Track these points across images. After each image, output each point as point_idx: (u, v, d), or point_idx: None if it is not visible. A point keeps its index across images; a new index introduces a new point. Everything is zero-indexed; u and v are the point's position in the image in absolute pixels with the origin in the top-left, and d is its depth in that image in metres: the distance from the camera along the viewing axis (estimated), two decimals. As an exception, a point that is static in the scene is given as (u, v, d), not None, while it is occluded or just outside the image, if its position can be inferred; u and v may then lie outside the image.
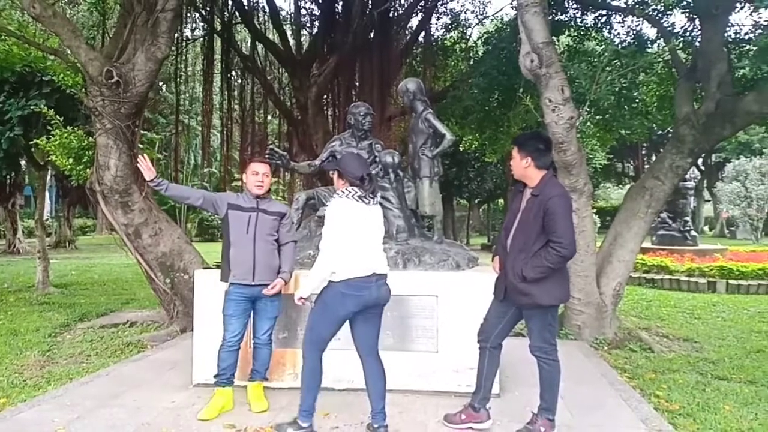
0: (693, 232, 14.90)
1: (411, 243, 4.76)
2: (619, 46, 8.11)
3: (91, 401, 3.97)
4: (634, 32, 8.33)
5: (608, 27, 8.96)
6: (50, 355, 5.60)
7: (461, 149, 12.20)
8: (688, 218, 15.00)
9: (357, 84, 12.92)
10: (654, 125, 11.23)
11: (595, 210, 8.78)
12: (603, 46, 9.17)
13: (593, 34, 9.33)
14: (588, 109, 7.47)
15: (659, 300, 9.30)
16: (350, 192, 3.27)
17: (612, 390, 4.31)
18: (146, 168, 3.76)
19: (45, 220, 11.89)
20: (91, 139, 6.27)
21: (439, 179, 5.06)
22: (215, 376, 3.80)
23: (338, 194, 3.32)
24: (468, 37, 14.72)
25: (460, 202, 28.02)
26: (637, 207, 6.59)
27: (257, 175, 3.85)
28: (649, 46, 8.46)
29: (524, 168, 3.29)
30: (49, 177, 12.80)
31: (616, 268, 6.47)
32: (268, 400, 3.90)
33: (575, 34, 9.14)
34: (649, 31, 8.83)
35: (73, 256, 18.17)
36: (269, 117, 17.71)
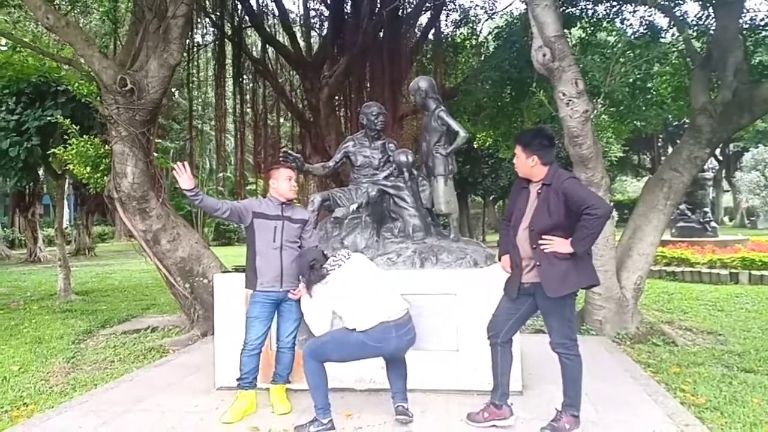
0: (713, 223, 14.69)
1: (427, 242, 4.75)
2: (632, 37, 8.03)
3: (116, 407, 4.02)
4: (647, 22, 8.25)
5: (620, 18, 8.88)
6: (75, 362, 5.68)
7: (475, 146, 12.17)
8: (707, 209, 14.80)
9: (368, 84, 12.93)
10: (669, 116, 11.12)
11: (612, 203, 8.70)
12: (616, 38, 9.10)
13: (605, 25, 9.25)
14: (602, 102, 7.42)
15: (681, 293, 9.19)
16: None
17: (636, 385, 4.26)
18: (187, 177, 3.66)
19: (64, 228, 12.06)
20: (107, 147, 6.34)
21: (453, 177, 5.05)
22: (238, 380, 3.82)
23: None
24: (478, 32, 14.66)
25: (475, 200, 27.91)
26: (656, 199, 6.52)
27: (290, 180, 3.93)
28: (663, 36, 8.37)
29: (530, 167, 3.29)
30: (67, 186, 12.95)
31: (636, 261, 6.40)
32: (291, 402, 3.92)
33: (587, 26, 9.06)
34: (662, 21, 8.74)
35: (93, 263, 18.40)
36: (282, 120, 17.76)
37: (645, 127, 11.02)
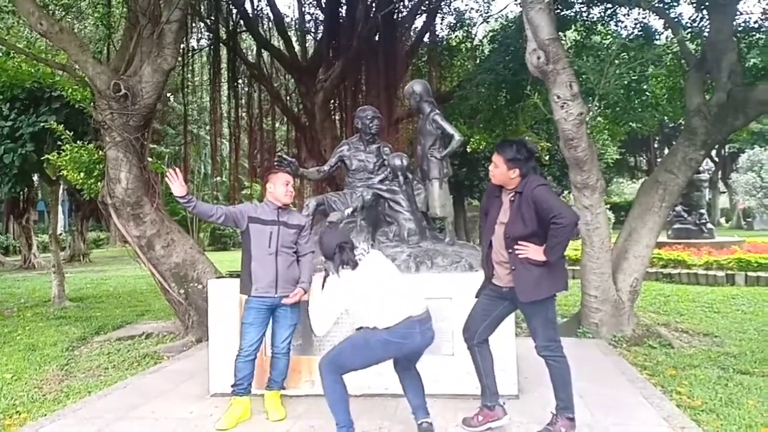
0: (709, 225, 14.75)
1: (423, 245, 4.76)
2: (626, 40, 8.06)
3: (110, 414, 4.00)
4: (641, 25, 8.28)
5: (615, 20, 8.91)
6: (68, 369, 5.65)
7: (470, 149, 12.17)
8: (703, 211, 14.86)
9: (363, 88, 12.94)
10: (665, 117, 11.15)
11: (608, 206, 8.72)
12: (610, 40, 9.13)
13: (600, 28, 9.28)
14: (597, 104, 7.44)
15: (677, 295, 9.21)
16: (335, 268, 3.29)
17: (632, 388, 4.26)
18: (179, 184, 3.66)
19: (59, 234, 12.01)
20: (101, 152, 6.33)
21: (448, 180, 5.06)
22: (232, 386, 3.81)
23: (330, 273, 3.33)
24: (473, 35, 14.70)
25: (471, 203, 27.93)
26: (651, 201, 6.53)
27: (288, 185, 3.92)
28: (657, 38, 8.40)
29: (510, 178, 3.31)
30: (61, 192, 12.93)
31: (632, 263, 6.41)
32: (286, 408, 3.91)
33: (581, 28, 9.09)
34: (657, 23, 8.78)
35: (88, 269, 18.33)
36: (277, 124, 17.77)
37: (640, 129, 11.05)
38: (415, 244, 4.75)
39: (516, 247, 3.23)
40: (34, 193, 18.60)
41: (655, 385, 4.43)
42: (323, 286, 3.35)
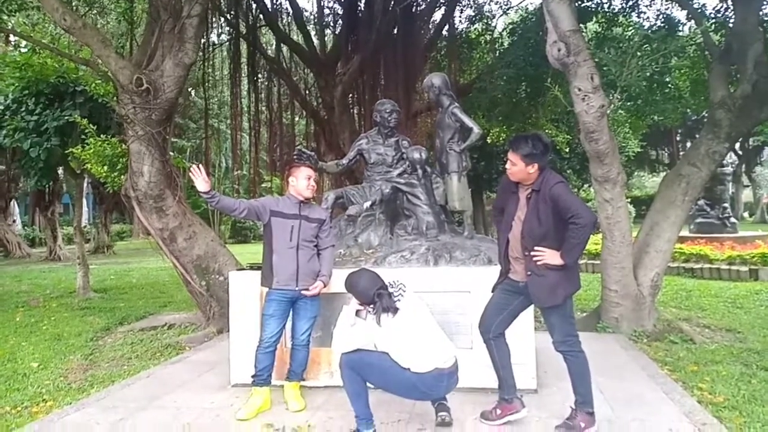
0: (732, 219, 14.48)
1: (441, 239, 4.74)
2: (649, 31, 7.93)
3: (133, 403, 4.07)
4: (664, 16, 8.13)
5: (637, 11, 8.77)
6: (93, 359, 5.76)
7: (489, 142, 12.07)
8: (726, 205, 14.58)
9: (382, 81, 12.90)
10: (688, 110, 10.96)
11: (629, 199, 8.61)
12: (632, 31, 9.00)
13: (621, 19, 9.14)
14: (619, 96, 7.34)
15: (699, 290, 9.06)
16: (365, 315, 3.25)
17: (653, 383, 4.21)
18: (203, 180, 3.69)
19: (83, 227, 12.23)
20: (124, 146, 6.41)
21: (467, 174, 5.04)
22: (253, 377, 3.85)
23: (359, 315, 3.28)
24: (493, 28, 14.56)
25: (489, 196, 27.77)
26: (674, 195, 6.43)
27: (309, 180, 3.94)
28: (680, 29, 8.25)
29: (529, 173, 3.26)
30: (85, 185, 13.12)
31: (653, 258, 6.31)
32: (305, 399, 3.94)
33: (603, 20, 8.96)
34: (680, 14, 8.62)
35: (111, 261, 18.63)
36: (296, 118, 17.82)
37: (663, 122, 10.86)
38: (433, 237, 4.73)
39: (533, 252, 3.20)
40: (59, 186, 18.93)
41: (675, 381, 4.36)
42: (352, 318, 3.31)
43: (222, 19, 12.64)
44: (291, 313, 3.92)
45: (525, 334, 3.97)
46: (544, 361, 4.25)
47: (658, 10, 8.31)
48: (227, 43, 13.61)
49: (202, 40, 9.87)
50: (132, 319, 7.64)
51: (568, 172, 17.57)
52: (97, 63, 7.20)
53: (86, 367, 5.44)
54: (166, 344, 6.13)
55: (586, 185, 16.67)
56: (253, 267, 4.81)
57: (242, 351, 4.32)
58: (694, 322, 6.58)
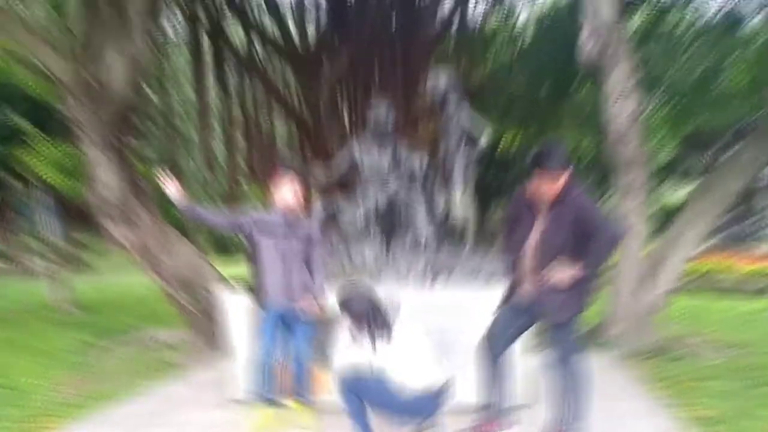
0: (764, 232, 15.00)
1: (441, 253, 5.03)
2: (708, 26, 8.13)
3: (135, 420, 4.61)
4: (727, 10, 8.26)
5: (693, 4, 8.92)
6: (85, 375, 6.18)
7: (500, 148, 12.20)
8: (758, 217, 15.09)
9: (377, 79, 12.88)
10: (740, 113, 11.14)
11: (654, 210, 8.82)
12: (684, 26, 9.09)
13: (672, 13, 9.25)
14: (659, 97, 7.48)
15: (706, 305, 9.71)
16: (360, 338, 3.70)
17: (649, 399, 4.76)
18: (175, 189, 4.06)
19: (48, 238, 12.70)
20: (79, 152, 6.62)
21: (473, 183, 5.30)
22: (254, 394, 4.28)
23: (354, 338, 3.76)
24: (516, 19, 14.51)
25: (497, 207, 27.81)
26: (706, 205, 6.64)
27: (294, 190, 4.31)
28: (743, 24, 8.34)
29: (560, 186, 3.47)
30: (45, 194, 13.26)
31: (666, 272, 6.58)
32: (309, 417, 4.33)
33: (652, 12, 9.13)
34: (745, 7, 8.64)
35: (83, 274, 18.88)
36: (278, 121, 17.86)
37: (709, 124, 11.02)
38: (432, 252, 5.01)
39: (548, 269, 3.51)
40: (9, 194, 19.05)
41: (670, 397, 4.84)
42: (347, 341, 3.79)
43: (178, 8, 12.40)
44: (288, 330, 4.32)
45: (519, 350, 4.26)
46: (537, 378, 4.59)
47: (720, 3, 8.37)
48: (186, 36, 13.29)
49: (158, 34, 9.89)
50: (116, 334, 8.04)
51: (589, 181, 17.78)
52: (32, 60, 7.18)
53: (79, 383, 5.84)
54: (158, 360, 6.60)
55: (605, 195, 16.81)
56: (242, 283, 5.08)
57: (242, 368, 4.70)
58: (699, 337, 6.94)
